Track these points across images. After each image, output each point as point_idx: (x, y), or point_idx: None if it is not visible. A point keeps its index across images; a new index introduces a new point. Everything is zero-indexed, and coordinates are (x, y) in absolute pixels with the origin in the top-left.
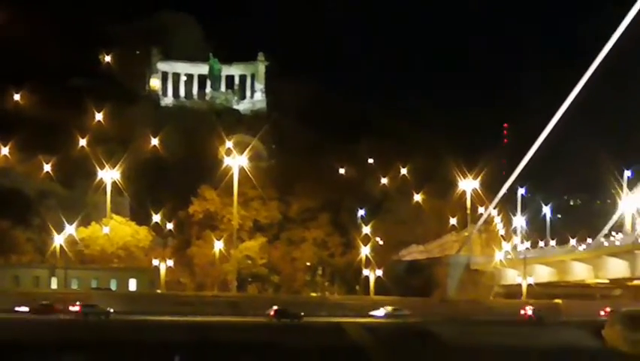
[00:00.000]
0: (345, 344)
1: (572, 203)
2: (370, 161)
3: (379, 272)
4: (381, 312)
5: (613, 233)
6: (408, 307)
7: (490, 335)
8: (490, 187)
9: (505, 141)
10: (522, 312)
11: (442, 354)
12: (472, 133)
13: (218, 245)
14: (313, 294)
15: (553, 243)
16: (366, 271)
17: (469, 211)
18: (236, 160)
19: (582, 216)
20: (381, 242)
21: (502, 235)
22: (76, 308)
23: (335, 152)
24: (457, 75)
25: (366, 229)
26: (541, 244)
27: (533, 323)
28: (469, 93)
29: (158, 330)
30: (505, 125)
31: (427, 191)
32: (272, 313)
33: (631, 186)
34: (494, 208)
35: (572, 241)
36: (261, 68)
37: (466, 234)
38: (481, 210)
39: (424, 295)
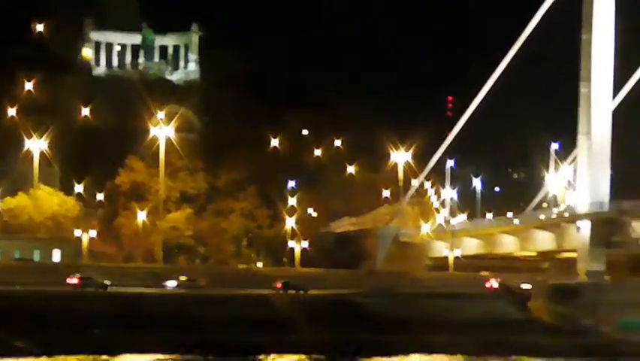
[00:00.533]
0: (271, 315)
1: (515, 176)
2: (305, 132)
3: (305, 244)
4: (173, 283)
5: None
6: (334, 279)
7: (417, 307)
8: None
9: (449, 114)
10: (487, 285)
11: (366, 325)
12: (413, 106)
13: (141, 216)
14: (241, 266)
15: (490, 216)
16: (292, 243)
17: (401, 183)
18: (162, 130)
19: (525, 189)
20: (314, 214)
21: (436, 208)
22: (75, 280)
23: (269, 123)
24: (399, 47)
25: (292, 201)
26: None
27: (498, 295)
28: (413, 64)
29: (77, 301)
30: (450, 97)
31: (360, 163)
32: (278, 285)
33: (561, 158)
34: (427, 180)
35: (509, 215)
36: (195, 38)
37: (399, 206)
38: (415, 183)
39: (353, 267)
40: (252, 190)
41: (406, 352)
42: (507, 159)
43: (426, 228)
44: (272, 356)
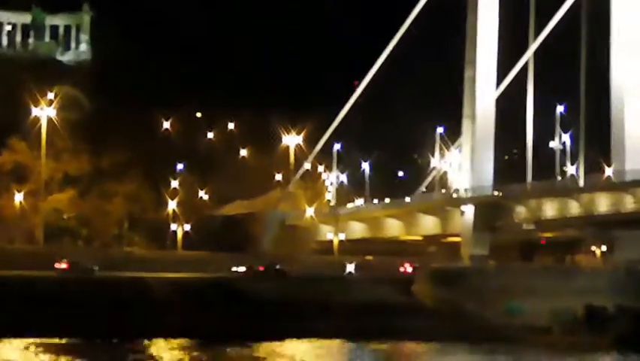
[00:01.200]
0: (147, 298)
1: (420, 161)
2: (198, 115)
3: (188, 227)
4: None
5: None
6: (219, 262)
7: (301, 290)
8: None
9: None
10: (401, 269)
11: (247, 308)
12: (308, 90)
13: (18, 197)
14: (128, 248)
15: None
16: (174, 226)
17: (292, 167)
18: (44, 111)
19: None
20: (206, 197)
21: (330, 192)
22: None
23: (161, 106)
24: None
25: (175, 184)
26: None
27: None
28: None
29: None
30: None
31: (253, 147)
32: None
33: (452, 141)
34: (321, 165)
35: (407, 199)
36: (86, 18)
37: (291, 190)
38: (306, 166)
39: (240, 250)
40: (137, 173)
41: (289, 336)
42: (412, 143)
43: (310, 211)
44: (153, 340)
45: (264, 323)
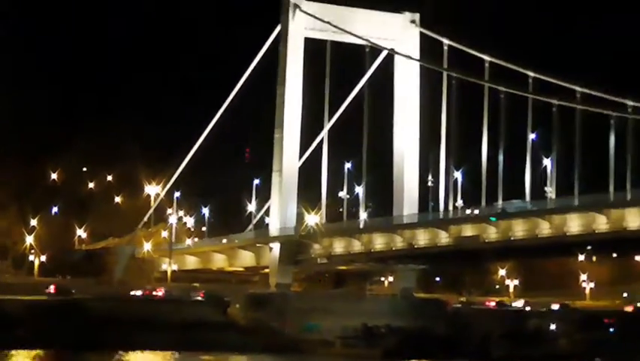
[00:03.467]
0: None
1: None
2: (85, 169)
3: (44, 258)
4: None
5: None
6: (74, 287)
7: (136, 310)
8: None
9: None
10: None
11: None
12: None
13: None
14: None
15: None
16: (32, 257)
17: (152, 210)
18: None
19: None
20: (84, 235)
21: (189, 228)
22: None
23: (50, 158)
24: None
25: (34, 222)
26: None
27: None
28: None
29: None
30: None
31: (126, 194)
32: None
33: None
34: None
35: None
36: None
37: (152, 229)
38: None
39: (96, 277)
40: (12, 210)
41: (122, 348)
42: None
43: (147, 246)
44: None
45: (107, 336)
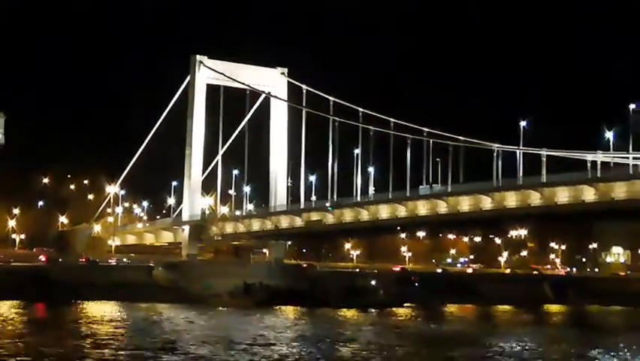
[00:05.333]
0: None
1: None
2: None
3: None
4: None
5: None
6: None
7: (88, 274)
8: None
9: None
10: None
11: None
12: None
13: None
14: None
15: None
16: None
17: (105, 204)
18: None
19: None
20: (66, 221)
21: (134, 215)
22: None
23: (41, 167)
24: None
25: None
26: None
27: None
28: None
29: None
30: None
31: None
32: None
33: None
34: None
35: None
36: None
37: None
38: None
39: (63, 251)
40: (6, 206)
41: (79, 300)
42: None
43: (97, 228)
44: None
45: (65, 293)
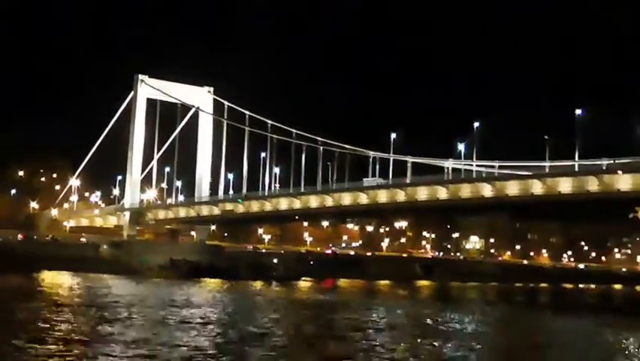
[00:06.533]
0: None
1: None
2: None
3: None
4: None
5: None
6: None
7: (45, 249)
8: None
9: None
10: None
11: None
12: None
13: None
14: None
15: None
16: None
17: (65, 193)
18: None
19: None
20: (37, 206)
21: (94, 202)
22: None
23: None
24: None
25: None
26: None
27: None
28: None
29: None
30: None
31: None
32: None
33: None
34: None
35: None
36: None
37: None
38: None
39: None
40: None
41: (35, 271)
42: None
43: (54, 212)
44: None
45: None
